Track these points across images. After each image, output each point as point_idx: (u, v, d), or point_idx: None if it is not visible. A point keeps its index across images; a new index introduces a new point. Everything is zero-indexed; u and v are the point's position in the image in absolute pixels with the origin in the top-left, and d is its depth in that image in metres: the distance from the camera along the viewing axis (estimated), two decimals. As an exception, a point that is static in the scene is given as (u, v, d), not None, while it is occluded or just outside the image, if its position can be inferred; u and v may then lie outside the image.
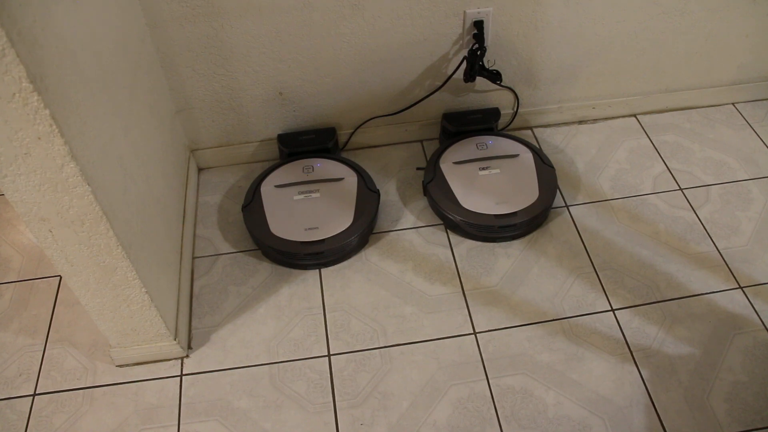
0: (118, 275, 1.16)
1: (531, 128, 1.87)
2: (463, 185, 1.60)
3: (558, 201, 1.67)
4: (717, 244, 1.56)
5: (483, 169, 1.64)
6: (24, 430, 1.30)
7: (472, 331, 1.42)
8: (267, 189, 1.62)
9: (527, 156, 1.67)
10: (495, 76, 1.67)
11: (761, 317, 1.41)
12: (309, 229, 1.52)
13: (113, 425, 1.30)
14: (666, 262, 1.53)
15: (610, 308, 1.45)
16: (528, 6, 1.57)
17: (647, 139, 1.83)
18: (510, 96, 1.79)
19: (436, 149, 1.73)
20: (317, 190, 1.60)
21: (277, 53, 1.56)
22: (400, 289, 1.50)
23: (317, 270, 1.55)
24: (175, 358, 1.39)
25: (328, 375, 1.36)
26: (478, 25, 1.57)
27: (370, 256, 1.57)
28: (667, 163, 1.76)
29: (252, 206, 1.59)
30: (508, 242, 1.58)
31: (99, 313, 1.25)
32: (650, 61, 1.77)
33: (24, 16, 0.83)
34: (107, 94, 1.12)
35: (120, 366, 1.39)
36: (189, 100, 1.63)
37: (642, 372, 1.34)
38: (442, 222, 1.63)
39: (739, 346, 1.37)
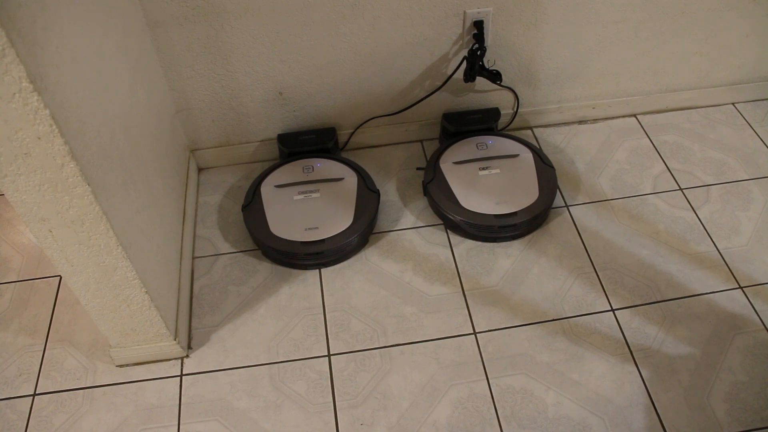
0: (118, 275, 1.16)
1: (531, 128, 1.87)
2: (463, 185, 1.60)
3: (558, 201, 1.67)
4: (717, 244, 1.56)
5: (483, 169, 1.64)
6: (24, 430, 1.30)
7: (472, 331, 1.42)
8: (267, 189, 1.62)
9: (527, 156, 1.67)
10: (495, 76, 1.67)
11: (761, 317, 1.41)
12: (309, 229, 1.52)
13: (113, 425, 1.30)
14: (666, 262, 1.53)
15: (610, 308, 1.45)
16: (528, 6, 1.57)
17: (647, 139, 1.83)
18: (510, 96, 1.79)
19: (436, 149, 1.73)
20: (317, 190, 1.60)
21: (277, 53, 1.56)
22: (400, 289, 1.50)
23: (317, 270, 1.55)
24: (175, 358, 1.39)
25: (328, 375, 1.36)
26: (478, 25, 1.57)
27: (370, 256, 1.57)
28: (667, 163, 1.76)
29: (252, 206, 1.59)
30: (508, 242, 1.58)
31: (99, 313, 1.25)
32: (650, 61, 1.77)
33: (24, 16, 0.83)
34: (107, 94, 1.12)
35: (120, 366, 1.39)
36: (189, 100, 1.63)
37: (642, 372, 1.34)
38: (442, 222, 1.63)
39: (739, 346, 1.37)
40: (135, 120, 1.28)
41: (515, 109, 1.83)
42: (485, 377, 1.34)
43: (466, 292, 1.49)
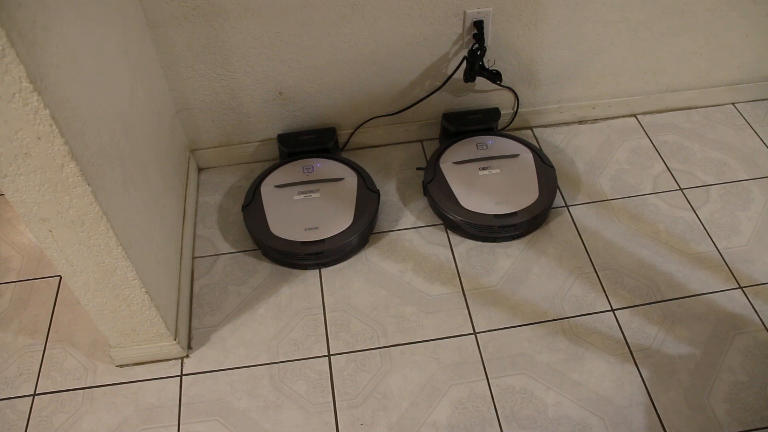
0: (118, 275, 1.16)
1: (531, 128, 1.87)
2: (463, 185, 1.60)
3: (558, 201, 1.67)
4: (717, 244, 1.56)
5: (483, 169, 1.64)
6: (24, 430, 1.30)
7: (472, 331, 1.42)
8: (267, 189, 1.62)
9: (527, 156, 1.67)
10: (495, 76, 1.67)
11: (761, 317, 1.41)
12: (309, 229, 1.52)
13: (113, 425, 1.30)
14: (666, 262, 1.53)
15: (610, 308, 1.45)
16: (528, 6, 1.57)
17: (647, 139, 1.83)
18: (510, 96, 1.79)
19: (436, 149, 1.73)
20: (317, 190, 1.60)
21: (277, 53, 1.56)
22: (400, 289, 1.50)
23: (317, 270, 1.55)
24: (175, 358, 1.39)
25: (328, 375, 1.36)
26: (478, 25, 1.57)
27: (370, 256, 1.57)
28: (667, 163, 1.76)
29: (252, 206, 1.59)
30: (508, 242, 1.58)
31: (99, 313, 1.25)
32: (650, 61, 1.77)
33: (24, 16, 0.83)
34: (107, 94, 1.12)
35: (120, 366, 1.39)
36: (189, 100, 1.63)
37: (642, 372, 1.34)
38: (442, 222, 1.63)
39: (739, 346, 1.37)
40: (135, 120, 1.28)
41: (515, 109, 1.83)
42: (485, 377, 1.34)
43: (466, 292, 1.49)
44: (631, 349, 1.37)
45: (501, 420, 1.27)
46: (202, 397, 1.33)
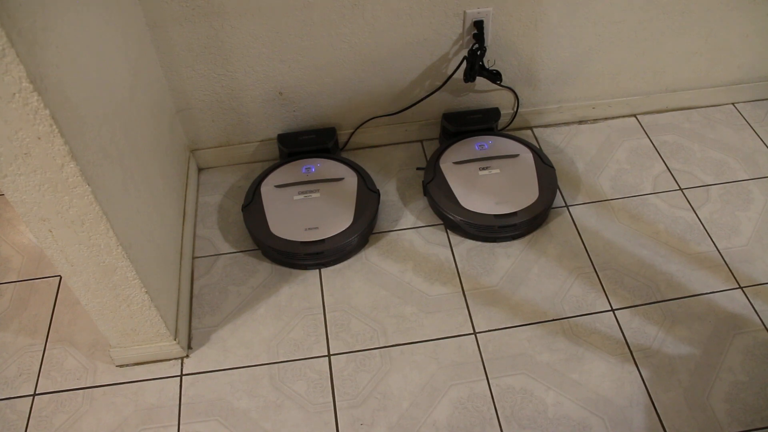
0: (118, 275, 1.16)
1: (531, 128, 1.87)
2: (463, 185, 1.60)
3: (558, 201, 1.67)
4: (717, 244, 1.56)
5: (483, 169, 1.64)
6: (24, 430, 1.30)
7: (472, 331, 1.42)
8: (267, 189, 1.62)
9: (527, 156, 1.67)
10: (495, 76, 1.67)
11: (761, 317, 1.41)
12: (309, 229, 1.52)
13: (113, 425, 1.30)
14: (666, 262, 1.53)
15: (610, 308, 1.45)
16: (528, 6, 1.57)
17: (647, 139, 1.83)
18: (510, 96, 1.79)
19: (436, 149, 1.73)
20: (317, 190, 1.60)
21: (277, 53, 1.56)
22: (400, 289, 1.50)
23: (317, 270, 1.55)
24: (175, 358, 1.39)
25: (328, 375, 1.36)
26: (478, 25, 1.57)
27: (370, 256, 1.57)
28: (667, 163, 1.76)
29: (252, 206, 1.59)
30: (508, 242, 1.58)
31: (99, 313, 1.25)
32: (650, 61, 1.77)
33: (24, 16, 0.83)
34: (107, 94, 1.12)
35: (120, 366, 1.39)
36: (189, 100, 1.63)
37: (642, 372, 1.34)
38: (442, 222, 1.63)
39: (739, 346, 1.37)
40: (135, 120, 1.28)
41: (515, 109, 1.83)
42: (485, 377, 1.34)
43: (466, 292, 1.49)
44: (631, 349, 1.37)
45: (501, 420, 1.27)
46: (202, 397, 1.33)
